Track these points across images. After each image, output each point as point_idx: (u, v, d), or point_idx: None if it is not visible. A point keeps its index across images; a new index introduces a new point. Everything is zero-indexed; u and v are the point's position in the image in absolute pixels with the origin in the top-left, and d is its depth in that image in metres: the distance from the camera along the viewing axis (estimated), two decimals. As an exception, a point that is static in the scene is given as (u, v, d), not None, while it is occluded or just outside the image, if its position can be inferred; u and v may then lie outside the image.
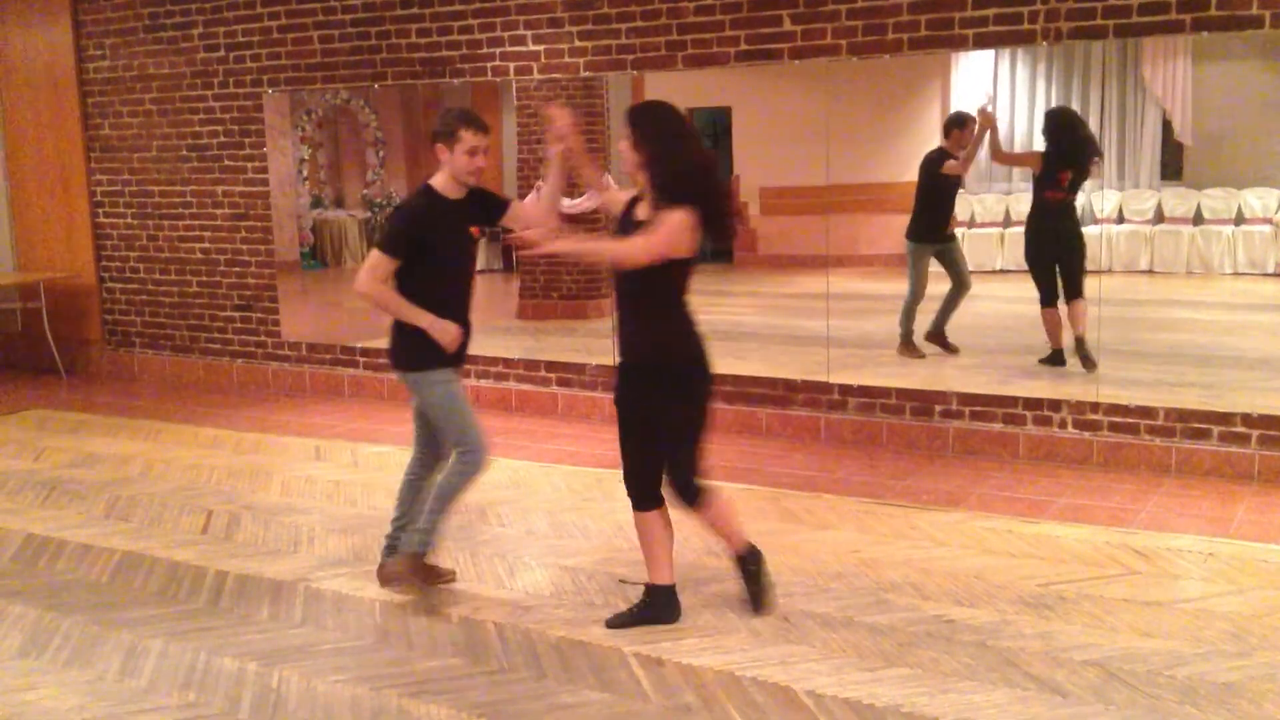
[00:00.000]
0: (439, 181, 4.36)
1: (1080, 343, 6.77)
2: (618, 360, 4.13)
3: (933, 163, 7.40)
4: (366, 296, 4.30)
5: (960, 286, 7.53)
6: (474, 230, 4.48)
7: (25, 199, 9.49)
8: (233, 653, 4.03)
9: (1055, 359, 6.89)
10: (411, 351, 4.38)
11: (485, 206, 4.49)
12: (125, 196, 9.11)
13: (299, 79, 8.18)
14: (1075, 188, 6.95)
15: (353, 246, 10.30)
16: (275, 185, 8.53)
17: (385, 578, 4.52)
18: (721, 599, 4.35)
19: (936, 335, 7.47)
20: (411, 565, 4.42)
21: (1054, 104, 8.36)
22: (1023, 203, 7.78)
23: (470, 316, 4.47)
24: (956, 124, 7.41)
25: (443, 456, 4.52)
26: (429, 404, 4.44)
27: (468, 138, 4.25)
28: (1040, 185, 6.99)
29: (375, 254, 4.29)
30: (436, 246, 4.33)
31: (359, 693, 3.71)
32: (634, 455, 4.09)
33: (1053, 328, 6.95)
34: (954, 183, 7.49)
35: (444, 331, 4.30)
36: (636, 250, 3.86)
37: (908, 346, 7.45)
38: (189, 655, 4.02)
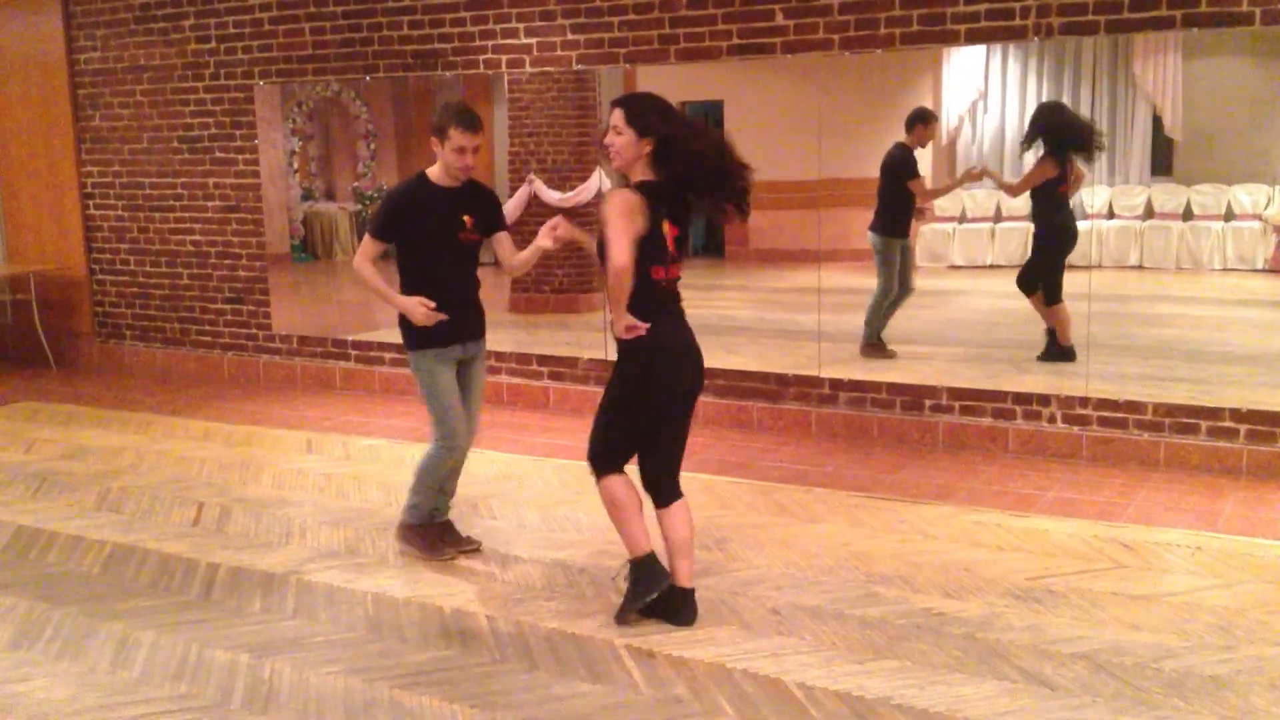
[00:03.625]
0: (434, 171, 4.55)
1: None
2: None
3: (895, 160, 7.41)
4: (358, 275, 4.56)
5: (905, 289, 7.57)
6: (468, 219, 4.54)
7: (15, 191, 9.46)
8: (225, 645, 4.03)
9: (1068, 354, 6.73)
10: (404, 331, 4.63)
11: (483, 210, 4.61)
12: (116, 188, 9.08)
13: (290, 71, 8.16)
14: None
15: (343, 239, 10.27)
16: (266, 177, 8.51)
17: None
18: (712, 592, 4.37)
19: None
20: (400, 533, 4.86)
21: (1045, 99, 8.38)
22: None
23: (472, 299, 4.66)
24: (919, 119, 7.44)
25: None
26: (418, 383, 4.69)
27: (455, 136, 4.41)
28: (1055, 182, 6.89)
29: (366, 236, 4.60)
30: (424, 230, 4.50)
31: (351, 684, 3.72)
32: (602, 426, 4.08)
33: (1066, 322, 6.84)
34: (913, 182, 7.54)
35: (411, 309, 4.48)
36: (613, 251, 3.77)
37: (876, 346, 7.42)
38: (181, 647, 4.02)
